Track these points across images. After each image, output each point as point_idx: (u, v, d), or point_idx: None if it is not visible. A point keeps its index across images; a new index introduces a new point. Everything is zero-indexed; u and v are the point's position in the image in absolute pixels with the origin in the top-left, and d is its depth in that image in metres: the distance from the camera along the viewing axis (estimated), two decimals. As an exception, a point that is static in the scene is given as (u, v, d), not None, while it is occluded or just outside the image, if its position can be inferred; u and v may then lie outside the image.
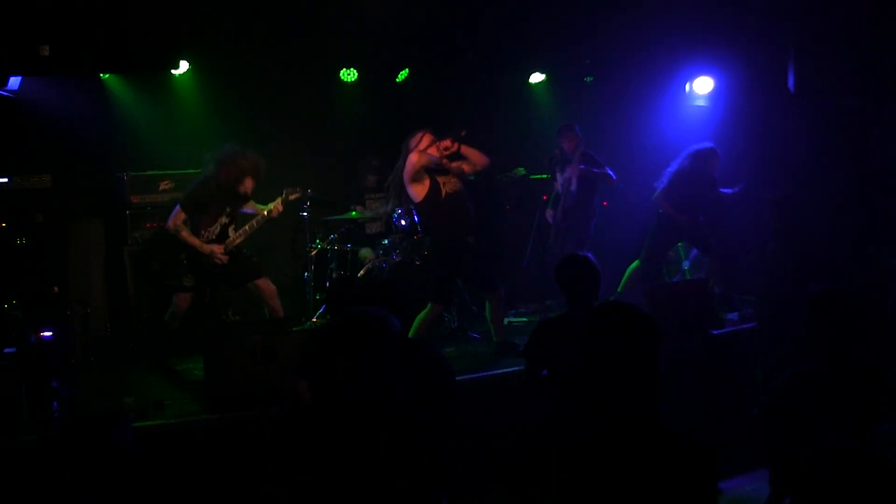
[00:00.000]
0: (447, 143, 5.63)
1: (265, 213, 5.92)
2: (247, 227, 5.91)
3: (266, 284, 5.91)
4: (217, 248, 5.76)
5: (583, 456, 2.08)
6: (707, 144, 6.78)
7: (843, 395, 3.02)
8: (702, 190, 6.71)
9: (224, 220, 5.86)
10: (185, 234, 5.75)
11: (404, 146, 5.68)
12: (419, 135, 5.63)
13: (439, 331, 6.54)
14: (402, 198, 5.82)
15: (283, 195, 5.98)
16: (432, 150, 5.60)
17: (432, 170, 5.63)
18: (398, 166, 5.70)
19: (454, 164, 5.73)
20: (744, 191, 6.73)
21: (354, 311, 2.69)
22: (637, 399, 2.07)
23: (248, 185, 5.89)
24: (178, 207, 5.78)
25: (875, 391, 3.09)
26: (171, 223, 5.77)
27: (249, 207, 6.03)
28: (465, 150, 5.72)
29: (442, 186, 5.63)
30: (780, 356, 5.28)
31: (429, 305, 5.68)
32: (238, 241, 5.87)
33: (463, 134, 5.67)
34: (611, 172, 6.89)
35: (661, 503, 2.01)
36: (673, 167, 6.77)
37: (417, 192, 5.60)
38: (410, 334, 5.42)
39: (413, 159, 5.53)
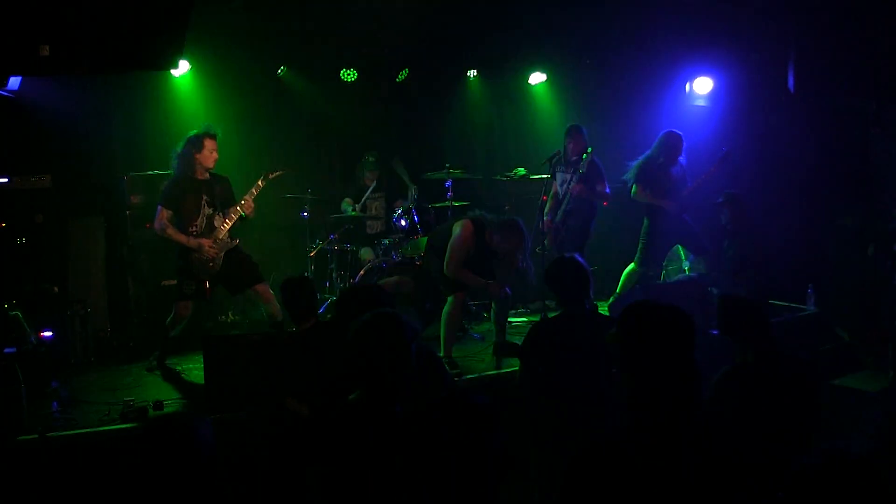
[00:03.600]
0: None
1: (247, 196, 5.79)
2: (231, 213, 5.81)
3: (265, 290, 5.87)
4: (205, 241, 5.71)
5: (620, 449, 2.11)
6: (671, 129, 6.79)
7: (773, 390, 3.12)
8: (673, 174, 6.71)
9: (208, 210, 5.80)
10: (171, 231, 5.71)
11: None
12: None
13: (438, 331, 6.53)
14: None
15: (263, 175, 5.87)
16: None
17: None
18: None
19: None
20: (726, 157, 6.68)
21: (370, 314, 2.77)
22: (678, 393, 2.12)
23: (206, 158, 5.75)
24: (159, 207, 5.76)
25: (813, 388, 3.16)
26: (156, 225, 5.75)
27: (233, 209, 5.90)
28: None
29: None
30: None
31: (449, 299, 5.71)
32: (226, 227, 5.78)
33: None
34: (607, 191, 6.90)
35: (703, 495, 2.05)
36: (639, 158, 6.79)
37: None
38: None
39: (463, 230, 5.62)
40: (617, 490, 2.05)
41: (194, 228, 5.76)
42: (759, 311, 3.45)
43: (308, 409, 4.05)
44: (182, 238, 5.71)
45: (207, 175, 5.84)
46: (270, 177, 5.91)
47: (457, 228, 5.63)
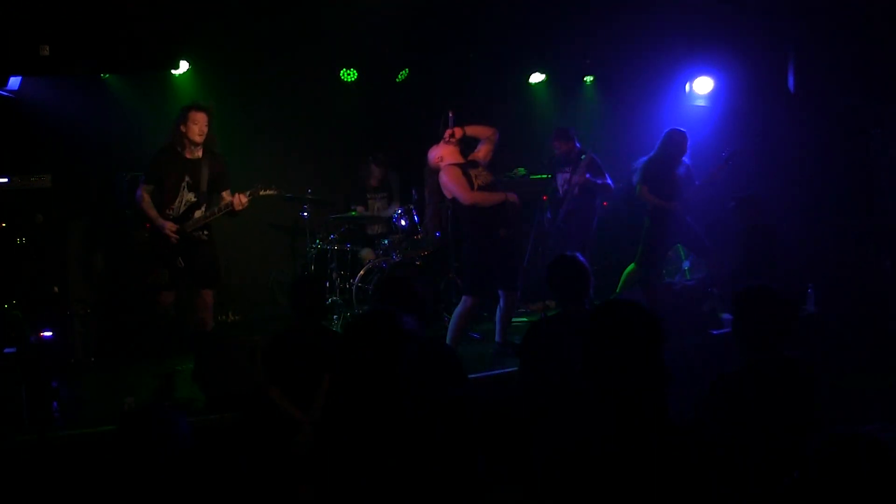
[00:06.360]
0: (448, 132, 5.71)
1: (229, 200, 5.43)
2: (208, 212, 5.47)
3: (208, 296, 5.58)
4: (170, 225, 5.33)
5: (591, 455, 2.06)
6: (674, 127, 6.75)
7: (774, 395, 2.95)
8: (678, 174, 6.69)
9: (189, 196, 5.43)
10: (146, 204, 5.36)
11: (426, 168, 5.82)
12: (434, 151, 5.77)
13: (439, 330, 6.53)
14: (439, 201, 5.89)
15: (253, 188, 5.51)
16: (447, 149, 5.71)
17: (463, 165, 5.72)
18: (429, 181, 5.83)
19: (478, 154, 5.83)
20: (730, 159, 6.69)
21: (366, 311, 2.77)
22: (643, 397, 2.06)
23: (190, 130, 5.36)
24: (141, 179, 5.52)
25: (809, 388, 3.03)
26: (137, 194, 5.45)
27: (227, 197, 5.54)
28: (469, 129, 5.81)
29: (474, 179, 5.66)
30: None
31: (462, 298, 5.73)
32: (199, 223, 5.43)
33: (451, 115, 5.80)
34: (610, 182, 6.88)
35: (673, 500, 2.02)
36: (644, 157, 6.77)
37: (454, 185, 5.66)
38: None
39: (444, 171, 5.68)
40: (585, 497, 2.01)
41: (171, 212, 5.42)
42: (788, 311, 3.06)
43: (298, 411, 4.08)
44: (153, 214, 5.35)
45: (199, 153, 5.44)
46: (261, 194, 5.57)
47: (442, 176, 5.68)
